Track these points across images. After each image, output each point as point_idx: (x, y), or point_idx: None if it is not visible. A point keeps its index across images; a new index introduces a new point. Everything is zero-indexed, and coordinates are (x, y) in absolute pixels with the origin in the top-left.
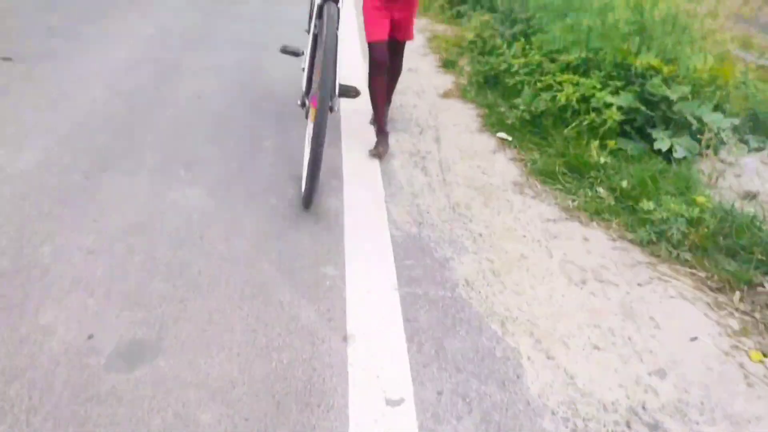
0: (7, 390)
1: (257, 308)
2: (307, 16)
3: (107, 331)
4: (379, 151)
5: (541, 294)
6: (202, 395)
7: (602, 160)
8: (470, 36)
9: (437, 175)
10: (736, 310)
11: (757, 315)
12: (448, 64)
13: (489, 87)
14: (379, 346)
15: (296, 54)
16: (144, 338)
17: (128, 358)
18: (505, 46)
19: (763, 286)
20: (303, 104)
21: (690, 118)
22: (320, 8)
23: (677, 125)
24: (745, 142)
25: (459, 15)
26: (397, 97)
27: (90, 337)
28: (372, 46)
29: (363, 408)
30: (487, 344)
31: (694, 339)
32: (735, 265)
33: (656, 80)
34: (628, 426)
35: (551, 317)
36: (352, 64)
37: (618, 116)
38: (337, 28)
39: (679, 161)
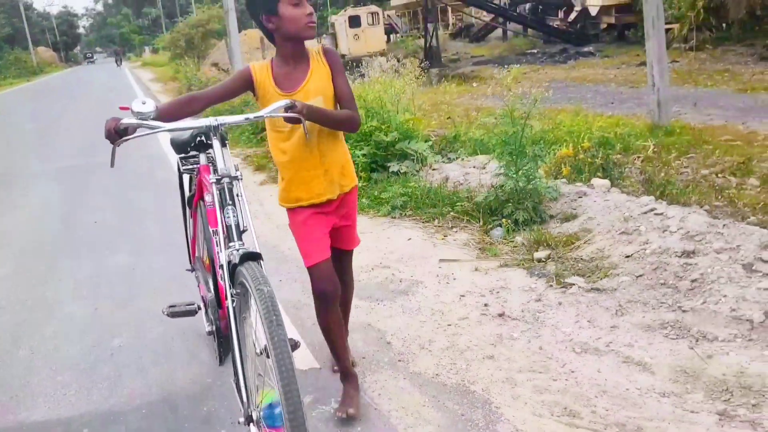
0: None
1: None
2: (185, 242)
3: None
4: (349, 411)
5: None
6: None
7: (360, 184)
8: None
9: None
10: (435, 226)
11: (445, 225)
12: (260, 168)
13: None
14: None
15: (191, 313)
16: None
17: None
18: None
19: (449, 214)
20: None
21: (408, 151)
22: (233, 272)
23: (404, 157)
24: (447, 157)
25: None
26: None
27: None
28: (314, 271)
29: None
30: None
31: (409, 239)
32: (435, 210)
33: (377, 133)
34: (372, 269)
35: None
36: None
37: (364, 159)
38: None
39: (406, 174)
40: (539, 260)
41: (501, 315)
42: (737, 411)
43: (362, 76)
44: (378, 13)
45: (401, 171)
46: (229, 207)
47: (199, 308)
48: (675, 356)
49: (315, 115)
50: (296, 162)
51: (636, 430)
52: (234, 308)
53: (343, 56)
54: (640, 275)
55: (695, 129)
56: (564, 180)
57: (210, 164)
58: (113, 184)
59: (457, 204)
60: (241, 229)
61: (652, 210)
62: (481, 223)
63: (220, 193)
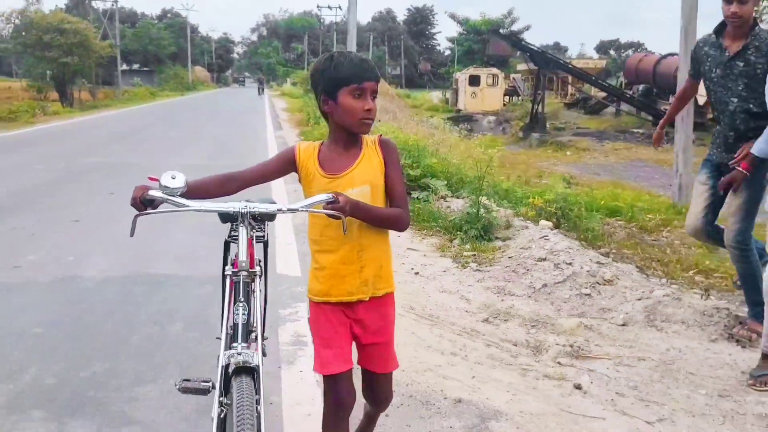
0: None
1: None
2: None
3: None
4: None
5: None
6: None
7: None
8: None
9: None
10: (421, 234)
11: (427, 233)
12: None
13: None
14: None
15: (203, 391)
16: None
17: None
18: None
19: (435, 228)
20: None
21: (430, 184)
22: (227, 381)
23: (426, 188)
24: (456, 193)
25: None
26: None
27: None
28: (330, 382)
29: None
30: None
31: (398, 236)
32: (427, 224)
33: (407, 168)
34: None
35: None
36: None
37: None
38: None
39: (426, 201)
40: (465, 256)
41: (416, 273)
42: (494, 321)
43: (470, 131)
44: (498, 76)
45: (419, 198)
46: (240, 304)
47: (213, 387)
48: (487, 299)
49: (359, 213)
50: (330, 253)
51: (435, 317)
52: (220, 417)
53: (458, 111)
54: (508, 266)
55: None
56: (522, 218)
57: (253, 239)
58: None
59: (441, 221)
60: (249, 329)
61: (545, 236)
62: (450, 235)
63: (235, 287)
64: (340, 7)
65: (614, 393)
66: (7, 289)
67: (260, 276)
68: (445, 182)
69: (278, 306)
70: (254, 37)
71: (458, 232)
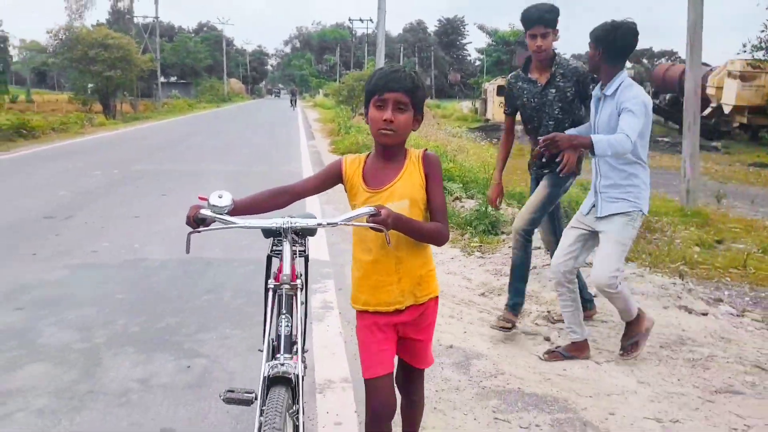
0: None
1: None
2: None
3: None
4: None
5: None
6: None
7: None
8: None
9: None
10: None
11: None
12: None
13: None
14: None
15: (246, 402)
16: None
17: None
18: None
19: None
20: None
21: (446, 186)
22: (268, 388)
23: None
24: (469, 194)
25: None
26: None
27: None
28: (371, 385)
29: None
30: None
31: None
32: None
33: None
34: None
35: None
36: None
37: None
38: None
39: None
40: (471, 247)
41: None
42: (489, 295)
43: (498, 140)
44: None
45: None
46: (284, 316)
47: (256, 398)
48: (485, 279)
49: (400, 225)
50: (369, 263)
51: (442, 293)
52: (261, 423)
53: (487, 120)
54: (507, 254)
55: (707, 214)
56: None
57: (296, 254)
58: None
59: (454, 219)
60: (293, 341)
61: None
62: (462, 230)
63: (278, 300)
64: (371, 20)
65: None
66: (91, 268)
67: (301, 289)
68: (461, 185)
69: (310, 282)
70: (288, 49)
71: (468, 228)
